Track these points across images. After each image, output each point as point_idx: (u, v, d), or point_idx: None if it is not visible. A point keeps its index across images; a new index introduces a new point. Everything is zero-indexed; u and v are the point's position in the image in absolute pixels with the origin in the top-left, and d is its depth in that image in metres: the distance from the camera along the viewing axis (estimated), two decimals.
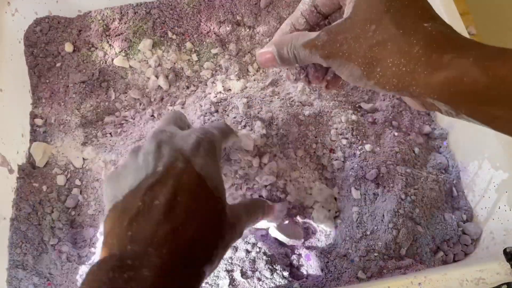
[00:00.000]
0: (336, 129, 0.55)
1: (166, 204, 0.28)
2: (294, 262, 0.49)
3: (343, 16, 0.31)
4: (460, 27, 0.55)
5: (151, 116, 0.58)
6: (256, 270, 0.46)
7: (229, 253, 0.47)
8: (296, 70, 0.38)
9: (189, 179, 0.30)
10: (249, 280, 0.45)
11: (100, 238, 0.50)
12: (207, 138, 0.34)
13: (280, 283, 0.45)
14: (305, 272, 0.48)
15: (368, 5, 0.29)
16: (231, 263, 0.46)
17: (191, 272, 0.28)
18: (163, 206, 0.28)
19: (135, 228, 0.27)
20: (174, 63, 0.60)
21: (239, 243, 0.48)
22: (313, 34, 0.31)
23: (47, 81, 0.59)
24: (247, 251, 0.47)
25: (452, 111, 0.28)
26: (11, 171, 0.51)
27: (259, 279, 0.45)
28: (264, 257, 0.47)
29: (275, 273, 0.45)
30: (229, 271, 0.46)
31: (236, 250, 0.47)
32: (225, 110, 0.53)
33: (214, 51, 0.61)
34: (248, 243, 0.48)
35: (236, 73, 0.59)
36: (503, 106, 0.25)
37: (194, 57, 0.61)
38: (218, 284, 0.46)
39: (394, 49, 0.27)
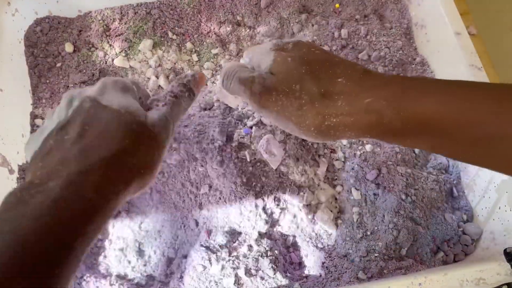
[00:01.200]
0: None
1: (75, 135, 0.30)
2: (295, 262, 0.49)
3: (266, 65, 0.34)
4: (460, 27, 0.55)
5: None
6: (259, 269, 0.46)
7: (233, 249, 0.47)
8: None
9: (96, 111, 0.31)
10: (252, 278, 0.45)
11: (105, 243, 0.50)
12: (111, 78, 0.35)
13: (282, 283, 0.45)
14: (305, 272, 0.48)
15: (287, 66, 0.32)
16: (237, 259, 0.46)
17: (102, 183, 0.28)
18: (73, 137, 0.29)
19: (46, 159, 0.29)
20: (175, 63, 0.60)
21: (243, 239, 0.48)
22: (250, 75, 0.34)
23: (47, 81, 0.59)
24: (250, 246, 0.47)
25: (387, 143, 0.30)
26: (11, 171, 0.51)
27: (262, 278, 0.45)
28: (267, 256, 0.47)
29: (277, 273, 0.45)
30: (234, 268, 0.46)
31: (240, 246, 0.47)
32: (225, 105, 0.53)
33: (214, 51, 0.61)
34: (252, 238, 0.48)
35: None
36: (419, 139, 0.29)
37: (195, 57, 0.61)
38: (223, 283, 0.46)
39: (320, 107, 0.30)
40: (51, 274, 0.24)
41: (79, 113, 0.31)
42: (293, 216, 0.50)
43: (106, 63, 0.60)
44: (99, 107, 0.32)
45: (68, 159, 0.28)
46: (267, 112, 0.33)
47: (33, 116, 0.57)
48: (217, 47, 0.61)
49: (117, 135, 0.30)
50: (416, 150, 0.55)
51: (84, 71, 0.59)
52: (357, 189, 0.51)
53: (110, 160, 0.29)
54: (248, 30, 0.62)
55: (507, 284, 0.41)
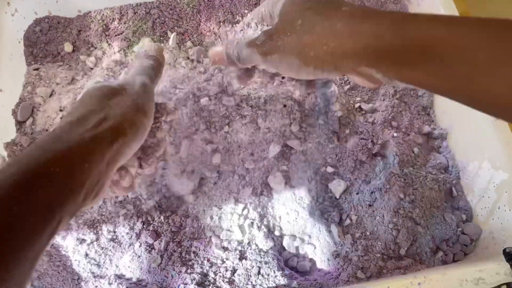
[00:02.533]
0: None
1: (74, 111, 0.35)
2: (294, 261, 0.49)
3: (277, 11, 0.35)
4: None
5: None
6: (260, 268, 0.46)
7: (233, 247, 0.47)
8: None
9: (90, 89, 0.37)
10: (251, 277, 0.45)
11: None
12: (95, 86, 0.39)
13: (280, 282, 0.45)
14: (304, 271, 0.48)
15: (291, 7, 0.34)
16: (236, 257, 0.46)
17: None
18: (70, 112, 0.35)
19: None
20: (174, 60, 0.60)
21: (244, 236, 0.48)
22: (255, 35, 0.35)
23: None
24: (249, 245, 0.47)
25: (385, 78, 0.30)
26: None
27: (262, 276, 0.45)
28: (266, 255, 0.47)
29: (276, 271, 0.45)
30: (233, 268, 0.46)
31: (241, 243, 0.47)
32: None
33: None
34: (252, 237, 0.48)
35: None
36: (417, 67, 0.28)
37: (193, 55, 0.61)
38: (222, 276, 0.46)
39: (321, 31, 0.31)
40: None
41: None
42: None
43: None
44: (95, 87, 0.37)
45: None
46: (272, 58, 0.34)
47: None
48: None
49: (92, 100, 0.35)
50: (416, 150, 0.55)
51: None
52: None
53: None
54: None
55: (507, 284, 0.40)
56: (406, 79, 0.29)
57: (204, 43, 0.62)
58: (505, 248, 0.42)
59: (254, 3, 0.63)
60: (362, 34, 0.29)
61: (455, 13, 0.56)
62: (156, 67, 0.42)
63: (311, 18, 0.32)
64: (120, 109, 0.34)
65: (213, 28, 0.62)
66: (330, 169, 0.53)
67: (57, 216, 0.27)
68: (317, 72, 0.32)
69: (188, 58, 0.61)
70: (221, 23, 0.62)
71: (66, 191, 0.28)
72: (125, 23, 0.61)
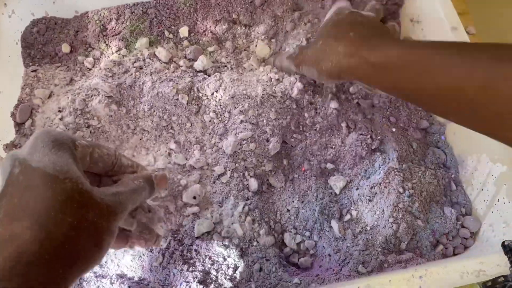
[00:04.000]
0: None
1: (5, 217, 0.25)
2: (295, 257, 0.49)
3: None
4: (456, 22, 0.55)
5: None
6: (261, 264, 0.46)
7: (234, 245, 0.47)
8: None
9: (26, 177, 0.26)
10: (253, 274, 0.46)
11: None
12: (45, 132, 0.29)
13: (281, 278, 0.45)
14: (305, 267, 0.48)
15: (320, 33, 0.48)
16: (237, 254, 0.47)
17: (41, 274, 0.24)
18: (4, 223, 0.25)
19: None
20: (171, 59, 0.60)
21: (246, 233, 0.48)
22: (292, 51, 0.54)
23: None
24: (250, 242, 0.47)
25: (369, 88, 0.51)
26: None
27: (263, 272, 0.46)
28: (268, 252, 0.47)
29: (277, 268, 0.46)
30: (235, 265, 0.46)
31: (242, 240, 0.47)
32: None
33: (210, 49, 0.61)
34: (253, 234, 0.48)
35: (233, 69, 0.59)
36: (385, 85, 0.40)
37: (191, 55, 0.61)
38: (223, 274, 0.46)
39: (329, 51, 0.44)
40: None
41: (10, 184, 0.26)
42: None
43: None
44: (28, 172, 0.26)
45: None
46: (302, 67, 0.49)
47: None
48: (213, 45, 0.61)
49: (56, 214, 0.25)
50: (414, 145, 0.55)
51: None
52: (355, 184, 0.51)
53: (48, 254, 0.24)
54: (243, 28, 0.63)
55: (504, 276, 0.41)
56: (386, 91, 0.42)
57: (201, 42, 0.62)
58: (504, 241, 0.42)
59: (249, 1, 0.63)
60: (352, 57, 0.41)
61: (451, 8, 0.56)
62: (146, 194, 0.33)
63: (327, 41, 0.45)
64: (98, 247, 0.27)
65: (210, 27, 0.62)
66: (329, 165, 0.53)
67: None
68: (326, 78, 0.46)
69: (185, 57, 0.61)
70: (218, 22, 0.62)
71: None
72: (122, 23, 0.61)
